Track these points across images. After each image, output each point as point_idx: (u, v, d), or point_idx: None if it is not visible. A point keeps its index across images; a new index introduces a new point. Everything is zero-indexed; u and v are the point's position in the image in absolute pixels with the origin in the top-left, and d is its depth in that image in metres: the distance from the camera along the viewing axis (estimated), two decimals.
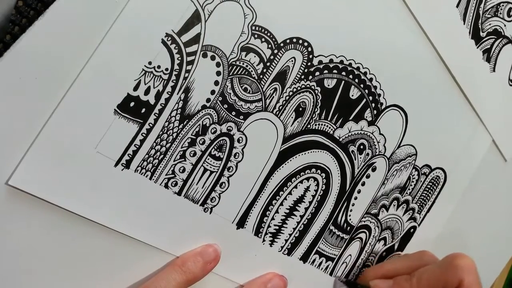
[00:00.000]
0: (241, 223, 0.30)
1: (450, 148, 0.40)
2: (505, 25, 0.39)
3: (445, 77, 0.36)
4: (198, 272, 0.28)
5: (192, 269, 0.28)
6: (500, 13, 0.38)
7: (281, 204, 0.32)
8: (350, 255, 0.37)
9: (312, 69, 0.30)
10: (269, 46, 0.28)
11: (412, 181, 0.38)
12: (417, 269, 0.33)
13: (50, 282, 0.25)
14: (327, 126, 0.32)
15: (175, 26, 0.25)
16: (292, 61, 0.29)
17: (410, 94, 0.35)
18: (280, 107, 0.29)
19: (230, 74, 0.27)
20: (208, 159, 0.28)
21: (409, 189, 0.39)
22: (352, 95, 0.32)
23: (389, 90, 0.34)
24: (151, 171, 0.26)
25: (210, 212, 0.29)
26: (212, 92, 0.27)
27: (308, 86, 0.30)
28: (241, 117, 0.28)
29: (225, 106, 0.27)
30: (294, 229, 0.33)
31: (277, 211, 0.32)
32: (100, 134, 0.24)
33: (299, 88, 0.30)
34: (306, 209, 0.33)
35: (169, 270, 0.27)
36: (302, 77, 0.30)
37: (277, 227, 0.32)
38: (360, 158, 0.34)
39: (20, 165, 0.23)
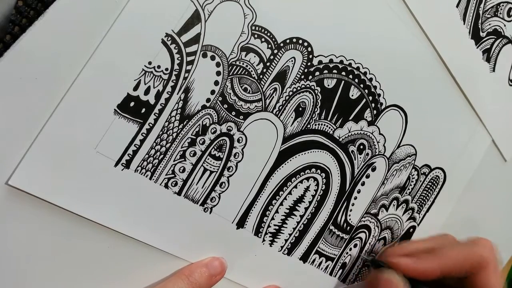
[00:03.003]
0: (241, 223, 0.30)
1: (450, 148, 0.40)
2: (505, 25, 0.39)
3: (445, 77, 0.36)
4: (204, 283, 0.28)
5: (198, 280, 0.28)
6: (500, 13, 0.38)
7: (281, 204, 0.32)
8: (350, 255, 0.37)
9: (312, 69, 0.30)
10: (269, 46, 0.28)
11: (412, 181, 0.38)
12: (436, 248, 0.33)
13: (50, 282, 0.25)
14: (327, 126, 0.32)
15: (175, 26, 0.25)
16: (292, 61, 0.29)
17: (409, 94, 0.35)
18: (280, 107, 0.29)
19: (230, 74, 0.27)
20: (208, 159, 0.28)
21: (408, 189, 0.39)
22: (352, 95, 0.32)
23: (388, 90, 0.34)
24: (151, 171, 0.26)
25: (210, 212, 0.29)
26: (212, 92, 0.27)
27: (308, 86, 0.30)
28: (241, 117, 0.28)
29: (225, 106, 0.27)
30: (294, 229, 0.33)
31: (277, 211, 0.32)
32: (100, 134, 0.24)
33: (299, 88, 0.30)
34: (306, 209, 0.33)
35: (175, 279, 0.27)
36: (302, 77, 0.30)
37: (277, 227, 0.32)
38: (360, 158, 0.34)
39: (20, 165, 0.23)
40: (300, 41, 0.29)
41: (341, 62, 0.31)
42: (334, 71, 0.31)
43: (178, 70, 0.25)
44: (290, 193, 0.32)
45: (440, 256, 0.32)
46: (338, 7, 0.30)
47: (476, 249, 0.32)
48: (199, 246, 0.29)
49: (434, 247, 0.34)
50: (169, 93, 0.26)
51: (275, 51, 0.28)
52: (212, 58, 0.26)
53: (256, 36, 0.27)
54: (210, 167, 0.28)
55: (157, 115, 0.25)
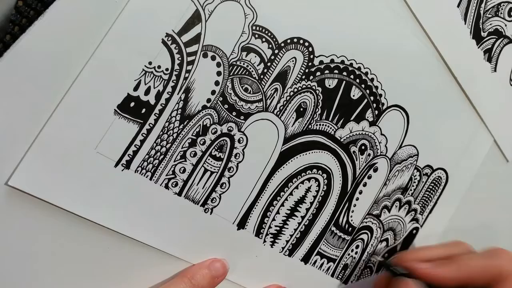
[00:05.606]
0: (241, 224, 0.30)
1: (452, 149, 0.39)
2: (506, 25, 0.38)
3: (446, 77, 0.36)
4: (206, 285, 0.28)
5: (200, 282, 0.28)
6: (501, 13, 0.38)
7: (282, 204, 0.32)
8: (352, 256, 0.37)
9: (313, 69, 0.30)
10: (270, 46, 0.28)
11: (414, 182, 0.38)
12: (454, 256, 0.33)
13: (50, 282, 0.25)
14: (328, 126, 0.32)
15: (176, 26, 0.25)
16: (293, 61, 0.29)
17: (411, 94, 0.35)
18: (281, 108, 0.29)
19: (231, 74, 0.27)
20: (209, 159, 0.28)
21: (411, 190, 0.38)
22: (353, 96, 0.32)
23: (390, 91, 0.33)
24: (151, 171, 0.26)
25: (211, 213, 0.29)
26: (213, 92, 0.27)
27: (309, 86, 0.30)
28: (242, 117, 0.28)
29: (226, 106, 0.27)
30: (295, 230, 0.33)
31: (278, 212, 0.32)
32: (100, 134, 0.24)
33: (300, 88, 0.30)
34: (307, 209, 0.33)
35: (178, 281, 0.27)
36: (303, 77, 0.29)
37: (278, 228, 0.32)
38: (362, 158, 0.34)
39: (20, 165, 0.22)
40: (301, 41, 0.29)
41: (342, 62, 0.31)
42: (335, 71, 0.31)
43: (178, 70, 0.25)
44: (291, 193, 0.32)
45: (459, 264, 0.32)
46: (339, 7, 0.29)
47: (497, 260, 0.31)
48: (200, 247, 0.29)
49: (451, 255, 0.33)
50: (170, 93, 0.25)
51: (276, 51, 0.28)
52: (213, 58, 0.26)
53: (256, 36, 0.27)
54: (211, 167, 0.28)
55: (157, 115, 0.25)
